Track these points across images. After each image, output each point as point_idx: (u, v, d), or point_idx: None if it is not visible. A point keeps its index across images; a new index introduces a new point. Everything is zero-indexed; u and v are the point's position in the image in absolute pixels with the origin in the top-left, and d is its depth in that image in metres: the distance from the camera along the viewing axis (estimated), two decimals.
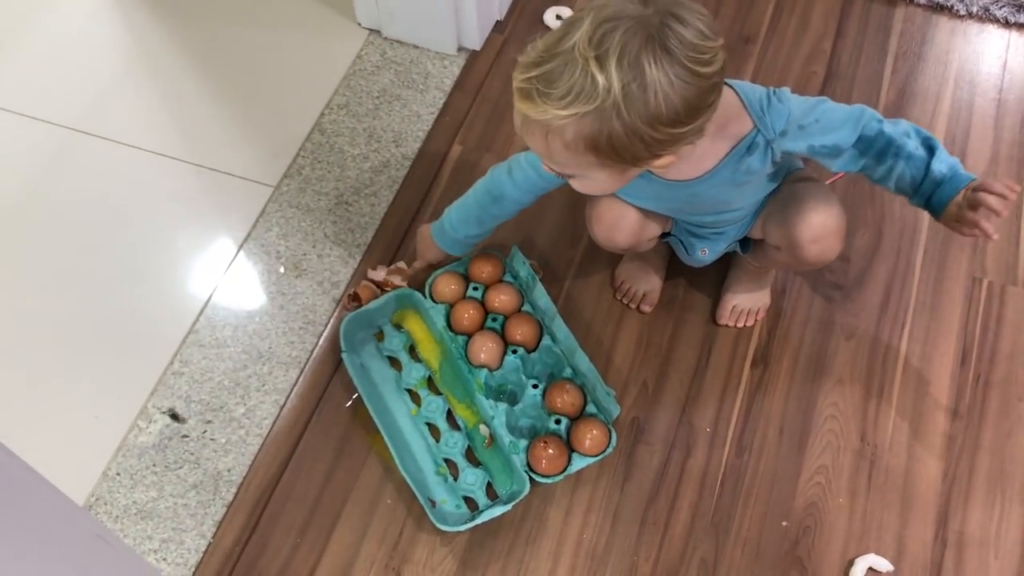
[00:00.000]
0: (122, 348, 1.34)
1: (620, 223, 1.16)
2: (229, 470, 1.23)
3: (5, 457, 0.63)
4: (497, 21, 1.65)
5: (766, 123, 0.98)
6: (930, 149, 1.01)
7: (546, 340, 1.28)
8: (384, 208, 1.44)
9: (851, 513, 1.18)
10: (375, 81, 1.59)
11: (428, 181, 1.47)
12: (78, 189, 1.49)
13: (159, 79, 1.62)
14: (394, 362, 1.30)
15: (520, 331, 1.27)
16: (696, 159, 0.99)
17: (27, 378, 1.32)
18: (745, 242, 1.21)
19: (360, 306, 1.31)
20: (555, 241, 1.40)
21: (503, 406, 1.20)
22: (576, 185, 0.98)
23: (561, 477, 1.18)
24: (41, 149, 1.54)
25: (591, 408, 1.23)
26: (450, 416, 1.26)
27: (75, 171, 1.51)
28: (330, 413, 1.27)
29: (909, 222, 1.41)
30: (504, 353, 1.25)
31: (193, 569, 1.16)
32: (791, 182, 1.12)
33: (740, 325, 1.31)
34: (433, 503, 1.18)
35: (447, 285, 1.32)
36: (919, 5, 1.65)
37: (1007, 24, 1.63)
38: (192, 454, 1.24)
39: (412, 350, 1.31)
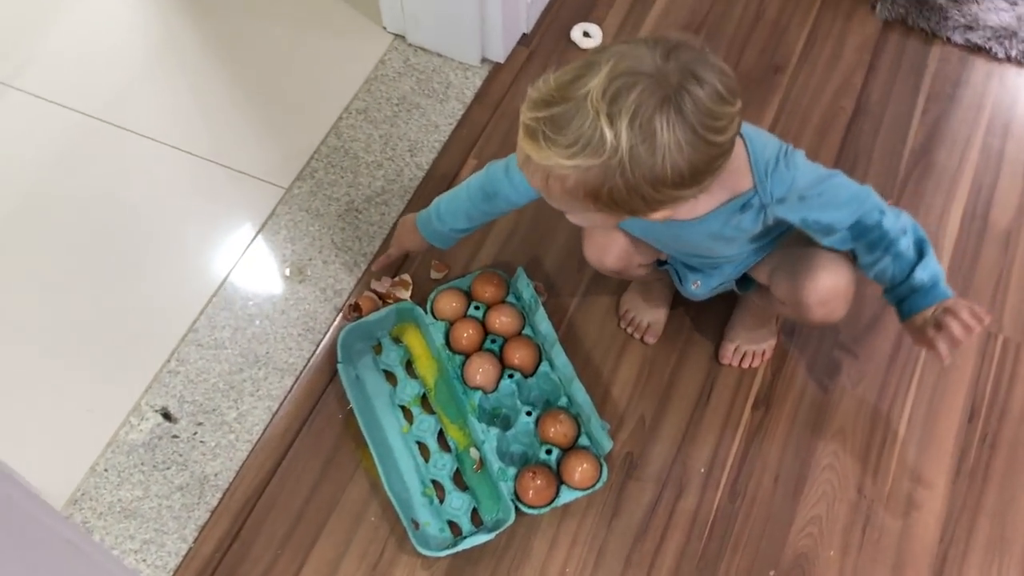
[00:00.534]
0: (122, 341, 1.34)
1: (610, 247, 1.15)
2: (216, 475, 1.22)
3: None
4: (524, 34, 1.63)
5: (766, 188, 0.96)
6: (920, 253, 1.00)
7: (544, 366, 1.26)
8: (394, 218, 1.43)
9: (841, 568, 1.15)
10: (396, 88, 1.57)
11: (440, 193, 1.45)
12: (91, 178, 1.49)
13: (181, 72, 1.62)
14: (390, 376, 1.29)
15: (519, 355, 1.25)
16: (689, 203, 0.97)
17: (26, 365, 1.32)
18: (745, 282, 1.19)
19: (360, 317, 1.29)
20: (562, 264, 1.38)
21: (495, 431, 1.18)
22: (570, 218, 0.97)
23: (547, 509, 1.16)
24: (60, 136, 1.54)
25: (584, 440, 1.21)
26: (441, 437, 1.24)
27: (89, 160, 1.51)
28: (322, 424, 1.26)
29: None
30: (500, 376, 1.24)
31: (171, 573, 1.15)
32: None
33: (744, 366, 1.29)
34: (416, 524, 1.17)
35: (449, 302, 1.30)
36: (956, 45, 1.61)
37: None
38: (181, 455, 1.24)
39: (409, 365, 1.30)
